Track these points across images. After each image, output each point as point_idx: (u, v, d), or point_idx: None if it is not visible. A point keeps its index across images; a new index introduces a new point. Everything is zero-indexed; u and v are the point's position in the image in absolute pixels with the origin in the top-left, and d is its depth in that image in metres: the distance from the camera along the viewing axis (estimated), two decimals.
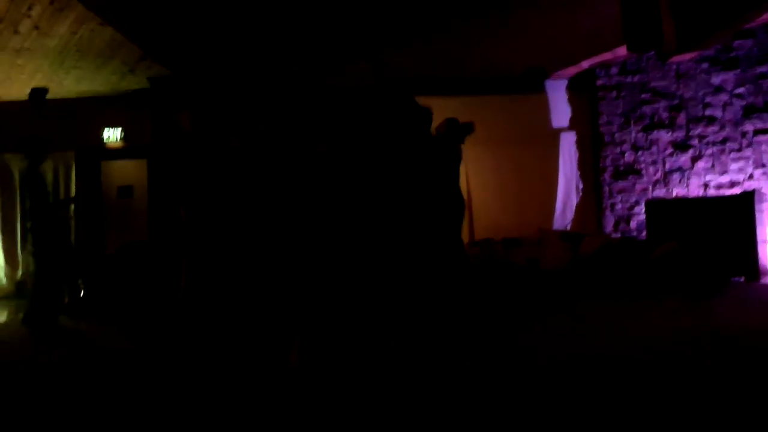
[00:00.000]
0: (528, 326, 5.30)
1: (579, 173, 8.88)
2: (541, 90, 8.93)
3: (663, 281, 6.77)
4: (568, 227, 8.76)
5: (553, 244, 8.15)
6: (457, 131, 5.79)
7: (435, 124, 5.83)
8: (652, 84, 8.53)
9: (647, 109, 8.53)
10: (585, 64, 8.60)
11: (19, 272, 8.89)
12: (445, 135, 5.81)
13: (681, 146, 8.35)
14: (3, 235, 8.92)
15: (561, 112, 8.93)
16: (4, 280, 8.89)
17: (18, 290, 8.65)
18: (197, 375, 4.05)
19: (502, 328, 5.17)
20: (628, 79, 8.63)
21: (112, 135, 8.95)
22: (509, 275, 7.53)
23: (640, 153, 8.55)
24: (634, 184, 8.56)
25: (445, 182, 5.64)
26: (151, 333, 5.48)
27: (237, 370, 4.07)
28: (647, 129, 8.53)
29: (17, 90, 8.56)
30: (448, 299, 5.31)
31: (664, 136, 8.44)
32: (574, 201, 8.85)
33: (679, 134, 8.37)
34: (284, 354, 4.40)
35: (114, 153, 9.07)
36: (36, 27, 6.80)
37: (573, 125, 8.92)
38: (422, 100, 5.93)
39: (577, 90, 8.91)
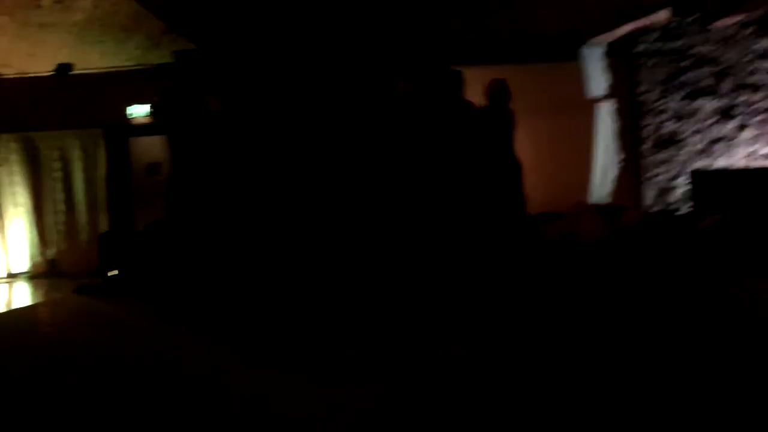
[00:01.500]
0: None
1: (617, 144, 8.55)
2: (577, 57, 8.58)
3: (710, 254, 6.50)
4: (607, 201, 8.48)
5: (591, 217, 7.92)
6: (507, 93, 5.58)
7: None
8: (695, 50, 8.16)
9: (689, 76, 8.17)
10: (623, 30, 8.25)
11: (51, 251, 8.89)
12: (497, 97, 5.59)
13: (725, 115, 8.01)
14: (34, 212, 8.91)
15: (598, 81, 8.58)
16: (37, 258, 8.91)
17: (51, 269, 8.66)
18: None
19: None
20: (669, 45, 8.27)
21: (138, 111, 8.83)
22: (545, 250, 7.32)
23: (681, 122, 8.21)
24: (675, 155, 8.24)
25: (499, 147, 5.45)
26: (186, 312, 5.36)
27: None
28: (689, 97, 8.18)
29: (42, 65, 8.47)
30: (512, 272, 5.18)
31: (707, 104, 8.09)
32: (612, 173, 8.55)
33: (723, 102, 8.02)
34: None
35: (141, 129, 8.96)
36: (58, 1, 6.66)
37: (610, 94, 8.57)
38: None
39: (615, 57, 8.54)
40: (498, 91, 5.84)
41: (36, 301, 6.56)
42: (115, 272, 7.04)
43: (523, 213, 5.91)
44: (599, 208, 8.06)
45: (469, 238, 5.29)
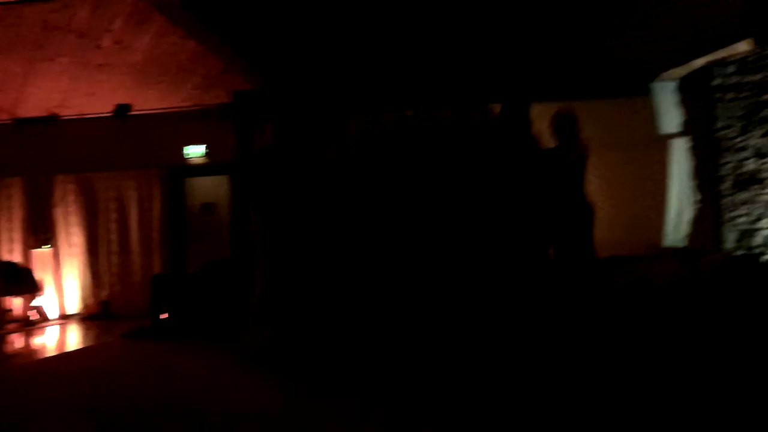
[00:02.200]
0: None
1: (693, 183, 8.03)
2: (648, 92, 8.16)
3: None
4: (683, 244, 7.93)
5: (667, 261, 7.37)
6: (574, 123, 5.14)
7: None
8: None
9: None
10: (698, 63, 7.80)
11: (104, 292, 8.79)
12: (564, 129, 5.17)
13: None
14: (89, 253, 8.85)
15: (671, 117, 8.12)
16: (90, 299, 8.81)
17: (103, 310, 8.54)
18: None
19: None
20: (749, 78, 7.75)
21: (194, 151, 8.77)
22: (616, 296, 6.80)
23: (764, 160, 7.64)
24: (758, 195, 7.66)
25: (569, 188, 5.03)
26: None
27: None
28: None
29: (101, 106, 8.51)
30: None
31: None
32: (688, 214, 8.01)
33: None
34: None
35: (197, 170, 8.89)
36: (117, 41, 6.64)
37: (685, 131, 8.09)
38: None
39: (689, 92, 8.08)
40: (564, 122, 5.38)
41: (85, 345, 6.37)
42: (165, 315, 6.84)
43: (592, 259, 5.45)
44: (675, 252, 7.52)
45: (534, 285, 4.87)
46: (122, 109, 8.54)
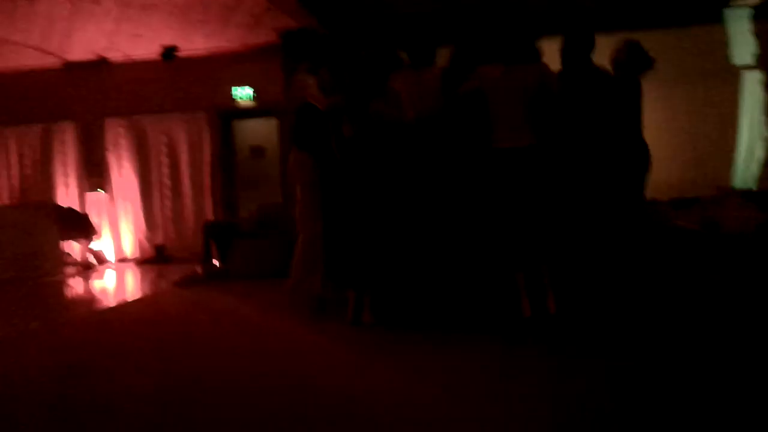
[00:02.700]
0: None
1: (766, 119, 7.52)
2: (720, 20, 7.59)
3: None
4: (753, 185, 7.49)
5: (736, 204, 6.98)
6: (641, 59, 4.69)
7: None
8: None
9: None
10: None
11: (159, 235, 8.87)
12: (626, 63, 4.73)
13: None
14: (143, 197, 8.90)
15: (744, 47, 7.56)
16: (145, 243, 8.92)
17: (158, 254, 8.63)
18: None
19: None
20: None
21: (242, 93, 8.62)
22: (682, 242, 6.46)
23: None
24: None
25: (624, 124, 4.67)
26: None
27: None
28: None
29: (147, 48, 8.39)
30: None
31: None
32: (759, 153, 7.54)
33: None
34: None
35: (245, 112, 8.75)
36: None
37: (759, 63, 7.53)
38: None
39: (763, 20, 7.48)
40: (627, 58, 4.81)
41: (143, 293, 6.42)
42: (217, 263, 6.84)
43: (643, 205, 5.04)
44: (744, 194, 7.11)
45: (582, 230, 4.59)
46: (169, 51, 8.41)
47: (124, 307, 5.54)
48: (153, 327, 4.73)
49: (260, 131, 8.84)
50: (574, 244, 4.50)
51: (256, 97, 8.62)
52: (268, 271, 6.17)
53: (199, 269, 6.95)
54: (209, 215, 8.57)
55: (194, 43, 8.29)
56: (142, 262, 8.72)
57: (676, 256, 6.13)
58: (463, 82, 4.46)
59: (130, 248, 9.03)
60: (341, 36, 7.61)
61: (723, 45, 7.60)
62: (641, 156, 4.74)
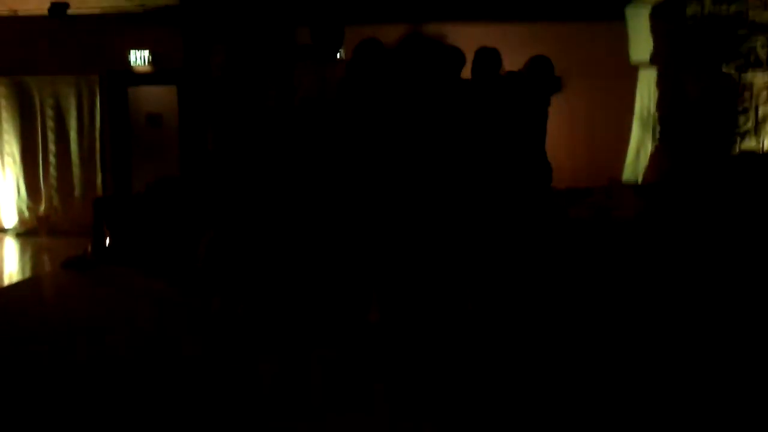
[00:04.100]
0: None
1: (658, 116, 7.88)
2: (620, 17, 7.85)
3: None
4: (640, 179, 7.86)
5: (625, 195, 7.33)
6: (547, 76, 4.72)
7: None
8: (750, 17, 7.42)
9: (743, 46, 7.44)
10: None
11: (42, 206, 8.32)
12: (530, 78, 4.76)
13: None
14: (24, 165, 8.30)
15: (642, 45, 7.85)
16: (26, 213, 8.34)
17: (42, 225, 8.10)
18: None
19: None
20: (723, 9, 7.51)
21: (139, 58, 8.15)
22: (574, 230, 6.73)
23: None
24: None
25: (525, 140, 4.71)
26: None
27: (312, 328, 3.88)
28: (740, 69, 7.47)
29: (36, 3, 7.75)
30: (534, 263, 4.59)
31: (760, 78, 7.39)
32: (648, 148, 7.90)
33: None
34: (362, 310, 4.08)
35: (142, 78, 8.29)
36: None
37: (654, 60, 7.86)
38: (467, 28, 4.90)
39: (662, 20, 7.79)
40: (530, 73, 4.79)
41: (22, 274, 6.00)
42: (107, 241, 6.48)
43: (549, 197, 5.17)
44: (634, 187, 7.47)
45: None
46: (59, 8, 7.78)
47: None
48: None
49: (158, 99, 8.41)
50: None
51: (155, 62, 8.18)
52: (165, 255, 5.91)
53: (88, 249, 6.56)
54: (99, 187, 8.12)
55: (88, 2, 7.74)
56: (22, 233, 8.16)
57: (570, 245, 6.40)
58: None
59: (11, 219, 8.42)
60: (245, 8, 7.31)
61: (624, 42, 7.87)
62: (542, 174, 4.80)
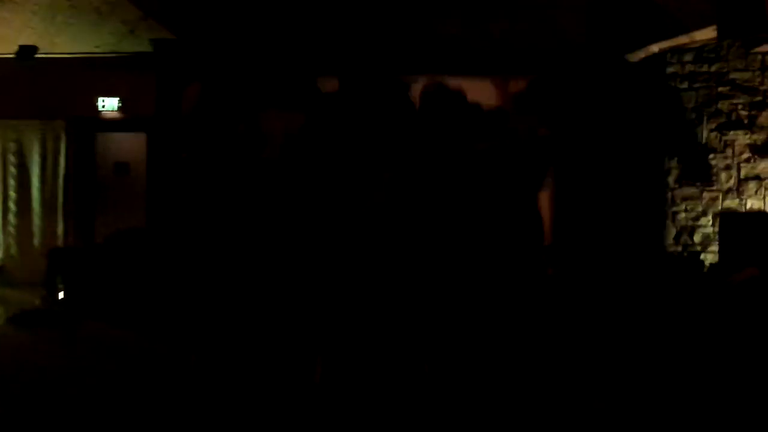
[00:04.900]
0: None
1: None
2: None
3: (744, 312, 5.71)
4: None
5: None
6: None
7: None
8: (732, 76, 7.36)
9: (724, 105, 7.38)
10: (654, 48, 7.45)
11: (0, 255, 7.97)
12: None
13: (761, 150, 7.23)
14: None
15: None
16: None
17: None
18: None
19: None
20: (704, 69, 7.47)
21: (108, 104, 7.92)
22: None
23: (711, 156, 7.42)
24: (702, 192, 7.46)
25: (508, 191, 4.46)
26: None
27: (252, 386, 3.66)
28: (722, 128, 7.37)
29: (2, 46, 7.55)
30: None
31: (742, 137, 7.30)
32: None
33: (760, 136, 7.24)
34: (306, 369, 3.83)
35: (110, 124, 8.06)
36: None
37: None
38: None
39: (641, 77, 7.74)
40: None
41: None
42: (61, 294, 6.15)
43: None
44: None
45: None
46: (27, 51, 7.58)
47: None
48: None
49: (126, 146, 8.16)
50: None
51: (123, 108, 7.96)
52: (123, 312, 5.60)
53: (40, 302, 6.23)
54: (60, 237, 7.79)
55: (58, 46, 7.56)
56: None
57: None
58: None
59: None
60: (218, 52, 7.16)
61: None
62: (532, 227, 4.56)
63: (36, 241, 7.95)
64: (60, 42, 7.45)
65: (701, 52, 7.45)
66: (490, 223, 4.31)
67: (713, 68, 7.44)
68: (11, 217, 8.00)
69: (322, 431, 3.13)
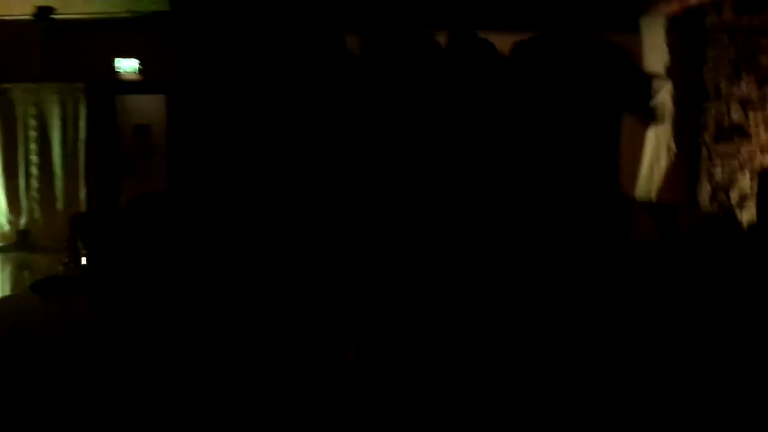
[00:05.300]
0: None
1: (673, 131, 7.48)
2: (635, 28, 7.45)
3: None
4: (654, 196, 7.45)
5: (640, 216, 6.91)
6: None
7: None
8: None
9: (765, 58, 7.05)
10: (693, 1, 7.11)
11: (23, 220, 7.94)
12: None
13: None
14: (5, 176, 7.92)
15: (657, 57, 7.45)
16: (6, 227, 7.95)
17: (21, 240, 7.71)
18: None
19: None
20: (745, 21, 7.12)
21: (127, 65, 7.78)
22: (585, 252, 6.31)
23: (751, 111, 7.12)
24: (739, 149, 7.17)
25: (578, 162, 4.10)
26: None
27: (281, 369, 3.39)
28: (762, 83, 7.06)
29: (19, 7, 7.40)
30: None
31: None
32: (663, 164, 7.50)
33: None
34: (338, 351, 3.67)
35: (130, 86, 7.93)
36: None
37: (671, 73, 7.45)
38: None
39: (679, 31, 7.40)
40: None
41: None
42: (84, 260, 6.08)
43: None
44: (648, 205, 7.05)
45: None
46: (43, 12, 7.43)
47: None
48: None
49: (146, 109, 8.04)
50: None
51: (143, 70, 7.81)
52: (145, 279, 5.50)
53: (62, 269, 6.17)
54: (83, 201, 7.74)
55: (74, 5, 7.39)
56: (1, 248, 7.77)
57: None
58: None
59: None
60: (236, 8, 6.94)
61: (638, 54, 7.47)
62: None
63: (59, 205, 7.91)
64: (76, 1, 7.28)
65: (742, 3, 7.11)
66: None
67: (754, 20, 7.10)
68: (34, 182, 7.96)
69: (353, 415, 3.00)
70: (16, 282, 6.35)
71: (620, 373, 3.34)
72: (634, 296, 5.18)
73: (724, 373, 3.46)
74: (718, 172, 7.30)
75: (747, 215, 6.97)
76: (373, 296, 3.79)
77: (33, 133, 7.94)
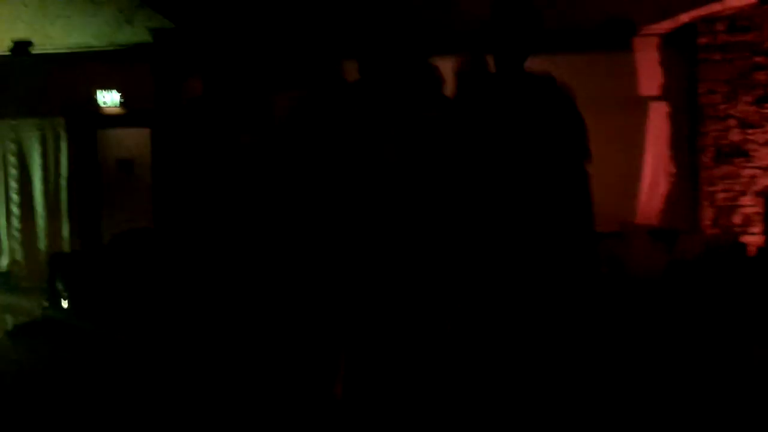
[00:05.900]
0: None
1: (670, 153, 7.29)
2: (628, 48, 7.30)
3: None
4: (656, 220, 7.24)
5: (641, 242, 6.69)
6: None
7: None
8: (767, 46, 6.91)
9: (761, 76, 6.91)
10: (684, 18, 6.96)
11: (4, 261, 7.72)
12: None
13: None
14: None
15: (651, 77, 7.29)
16: None
17: (3, 282, 7.46)
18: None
19: None
20: (739, 39, 6.98)
21: (108, 98, 7.57)
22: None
23: (750, 131, 6.96)
24: (740, 170, 7.00)
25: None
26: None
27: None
28: (761, 102, 6.92)
29: None
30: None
31: None
32: (662, 188, 7.30)
33: None
34: (326, 383, 3.39)
35: (112, 120, 7.71)
36: None
37: (665, 94, 7.29)
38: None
39: (672, 50, 7.25)
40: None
41: None
42: (66, 304, 5.84)
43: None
44: (650, 231, 6.83)
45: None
46: (21, 46, 7.24)
47: None
48: None
49: (130, 142, 7.82)
50: None
51: (125, 102, 7.61)
52: (128, 318, 5.29)
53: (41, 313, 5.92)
54: (66, 239, 7.50)
55: (52, 39, 7.21)
56: None
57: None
58: None
59: None
60: (222, 41, 6.78)
61: (632, 74, 7.32)
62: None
63: (41, 244, 7.66)
64: (54, 34, 7.07)
65: (734, 21, 6.99)
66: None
67: (749, 37, 6.97)
68: (15, 221, 7.71)
69: None
70: None
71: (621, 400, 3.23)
72: (636, 331, 4.98)
73: (729, 399, 3.34)
74: (720, 196, 7.11)
75: (752, 238, 6.78)
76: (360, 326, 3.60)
77: (13, 171, 7.71)
